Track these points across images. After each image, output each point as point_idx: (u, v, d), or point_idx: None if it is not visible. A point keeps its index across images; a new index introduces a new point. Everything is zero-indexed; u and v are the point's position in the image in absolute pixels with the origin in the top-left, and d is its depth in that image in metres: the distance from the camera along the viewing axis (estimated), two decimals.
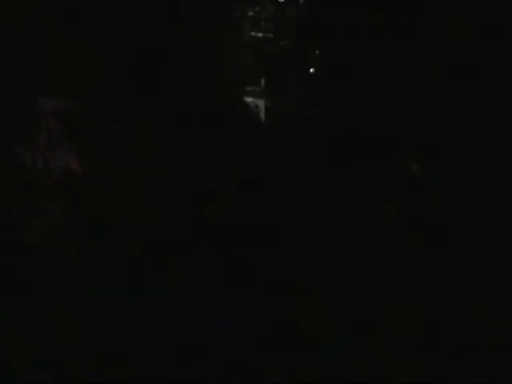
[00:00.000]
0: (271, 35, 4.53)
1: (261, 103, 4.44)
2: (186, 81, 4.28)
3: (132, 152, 4.18)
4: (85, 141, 3.70)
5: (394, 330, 3.03)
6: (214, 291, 3.42)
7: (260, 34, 4.51)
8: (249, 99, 4.42)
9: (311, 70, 4.49)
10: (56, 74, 4.13)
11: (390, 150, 4.21)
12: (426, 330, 3.04)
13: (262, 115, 4.43)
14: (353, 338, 3.01)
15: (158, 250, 3.72)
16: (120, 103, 4.17)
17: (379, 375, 2.76)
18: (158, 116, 4.25)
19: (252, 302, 3.26)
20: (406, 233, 3.82)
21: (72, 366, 2.71)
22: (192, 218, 3.96)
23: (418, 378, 2.74)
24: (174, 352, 2.87)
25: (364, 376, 2.77)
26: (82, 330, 2.95)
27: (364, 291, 3.45)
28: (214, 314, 3.15)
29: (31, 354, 2.77)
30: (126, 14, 4.25)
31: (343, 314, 3.24)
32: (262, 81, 4.52)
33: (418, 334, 2.99)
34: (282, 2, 4.50)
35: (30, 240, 3.54)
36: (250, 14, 4.53)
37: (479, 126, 4.04)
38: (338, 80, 4.47)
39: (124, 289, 3.39)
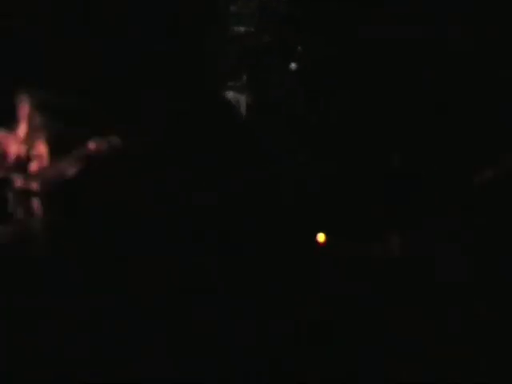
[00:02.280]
0: (253, 30, 4.52)
1: (242, 98, 4.43)
2: (168, 75, 4.28)
3: (130, 152, 4.18)
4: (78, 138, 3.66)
5: (394, 330, 3.04)
6: (214, 291, 3.42)
7: (242, 29, 4.50)
8: (230, 94, 4.42)
9: (293, 64, 4.47)
10: (56, 74, 4.13)
11: (375, 144, 4.22)
12: (426, 330, 3.04)
13: (243, 110, 4.42)
14: (353, 338, 3.01)
15: (158, 249, 3.72)
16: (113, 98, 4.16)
17: (379, 375, 2.76)
18: (146, 114, 4.25)
19: (252, 302, 3.26)
20: (400, 230, 3.82)
21: (72, 366, 2.71)
22: (191, 217, 3.96)
23: (418, 378, 2.74)
24: (174, 352, 2.87)
25: (364, 376, 2.77)
26: (82, 330, 2.95)
27: (364, 291, 3.45)
28: (213, 313, 3.15)
29: (31, 354, 2.77)
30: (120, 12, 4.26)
31: (343, 314, 3.24)
32: (244, 76, 4.50)
33: (418, 334, 2.99)
34: None
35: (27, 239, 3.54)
36: (233, 9, 4.51)
37: (469, 121, 4.04)
38: (320, 74, 4.47)
39: (123, 289, 3.39)
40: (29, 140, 3.56)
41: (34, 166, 3.58)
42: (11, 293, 3.16)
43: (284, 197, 4.17)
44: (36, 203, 3.59)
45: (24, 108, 3.54)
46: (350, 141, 4.34)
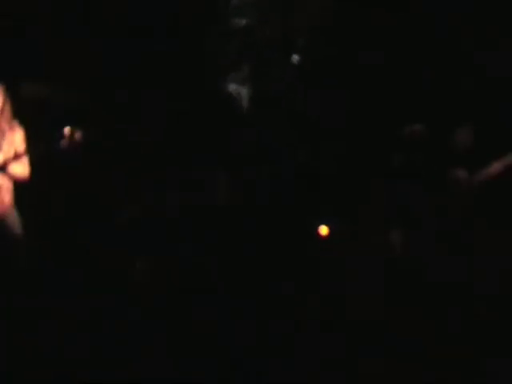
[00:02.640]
0: (254, 23, 4.50)
1: (243, 91, 4.42)
2: (168, 75, 4.27)
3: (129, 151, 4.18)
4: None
5: (394, 330, 3.04)
6: (214, 291, 3.43)
7: (243, 22, 4.48)
8: (232, 87, 4.41)
9: (295, 57, 4.46)
10: (56, 74, 4.12)
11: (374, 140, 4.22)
12: (426, 330, 3.05)
13: (245, 103, 4.41)
14: (353, 338, 3.01)
15: (158, 249, 3.72)
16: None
17: (379, 376, 2.76)
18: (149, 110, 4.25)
19: (252, 302, 3.27)
20: (396, 228, 3.82)
21: (72, 366, 2.71)
22: (191, 217, 3.96)
23: (418, 378, 2.75)
24: (174, 352, 2.88)
25: (364, 376, 2.77)
26: (82, 330, 2.96)
27: (364, 291, 3.45)
28: (213, 313, 3.15)
29: (31, 354, 2.78)
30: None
31: (343, 314, 3.25)
32: (245, 69, 4.49)
33: (418, 334, 3.00)
34: None
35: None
36: (234, 1, 4.50)
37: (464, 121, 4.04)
38: (321, 69, 4.47)
39: (123, 289, 3.39)
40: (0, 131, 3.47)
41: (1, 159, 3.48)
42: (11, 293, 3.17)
43: (284, 194, 4.16)
44: (5, 198, 3.51)
45: None
46: (350, 137, 4.33)
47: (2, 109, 3.44)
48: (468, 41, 4.34)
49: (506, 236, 3.67)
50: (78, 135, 3.32)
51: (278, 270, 3.59)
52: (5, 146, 3.47)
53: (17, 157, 3.45)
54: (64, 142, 3.31)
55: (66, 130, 3.32)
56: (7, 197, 3.50)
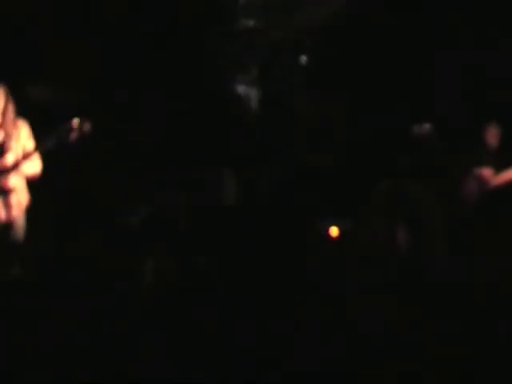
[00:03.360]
0: (262, 24, 4.50)
1: (252, 93, 4.42)
2: (178, 69, 4.27)
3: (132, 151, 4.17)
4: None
5: (394, 330, 3.04)
6: (213, 291, 3.43)
7: (251, 23, 4.48)
8: (240, 88, 4.41)
9: (304, 58, 4.47)
10: (56, 74, 4.12)
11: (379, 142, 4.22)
12: (426, 330, 3.05)
13: (253, 104, 4.41)
14: (353, 339, 3.01)
15: (158, 248, 3.72)
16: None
17: (379, 376, 2.76)
18: (154, 110, 4.25)
19: (252, 302, 3.27)
20: (397, 229, 3.82)
21: (72, 366, 2.72)
22: (191, 217, 3.96)
23: (418, 378, 2.75)
24: (174, 352, 2.88)
25: (364, 376, 2.77)
26: (82, 330, 2.96)
27: (364, 291, 3.45)
28: (213, 313, 3.15)
29: (31, 354, 2.78)
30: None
31: (343, 314, 3.25)
32: (254, 70, 4.49)
33: (418, 334, 3.00)
34: None
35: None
36: (242, 2, 4.50)
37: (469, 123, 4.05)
38: (329, 71, 4.47)
39: (124, 289, 3.39)
40: (5, 132, 3.47)
41: (9, 160, 3.48)
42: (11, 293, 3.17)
43: (284, 194, 4.17)
44: (21, 199, 3.51)
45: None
46: (352, 137, 4.34)
47: (5, 109, 3.44)
48: (468, 41, 4.34)
49: (506, 236, 3.67)
50: (86, 126, 3.33)
51: (278, 269, 3.59)
52: (13, 146, 3.46)
53: (27, 155, 3.44)
54: (72, 135, 3.31)
55: (75, 121, 3.33)
56: (23, 197, 3.50)
